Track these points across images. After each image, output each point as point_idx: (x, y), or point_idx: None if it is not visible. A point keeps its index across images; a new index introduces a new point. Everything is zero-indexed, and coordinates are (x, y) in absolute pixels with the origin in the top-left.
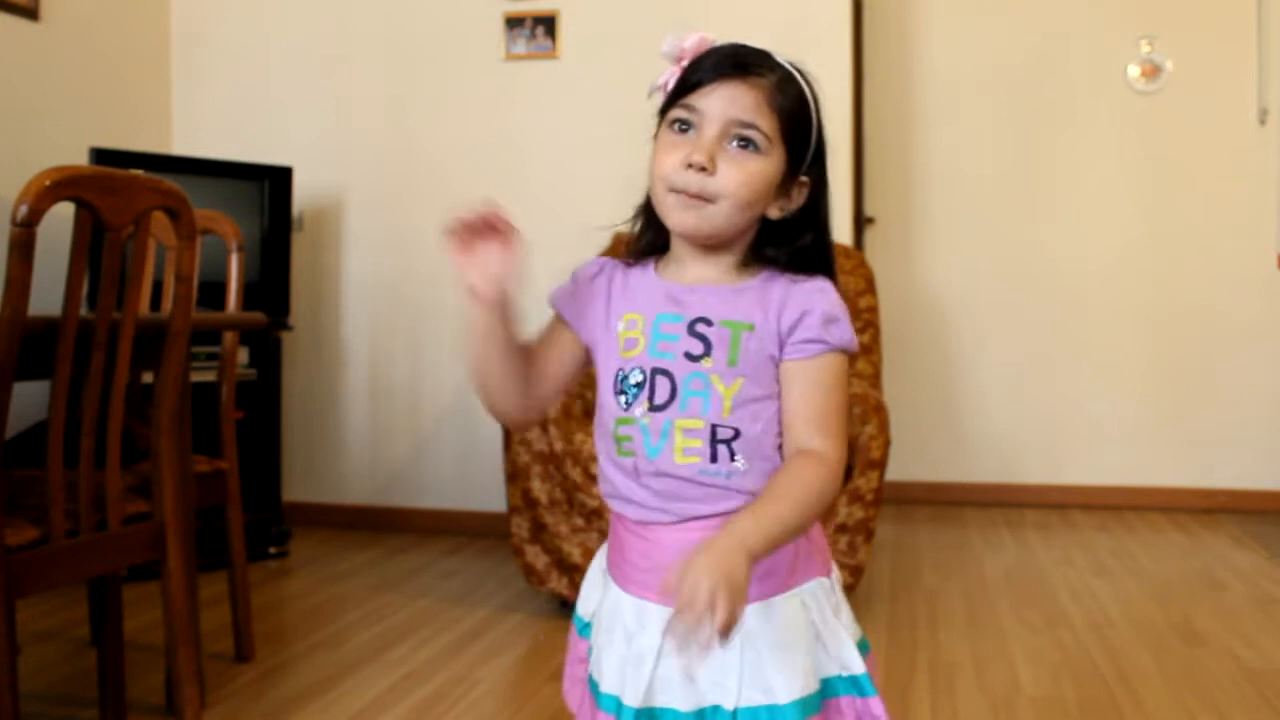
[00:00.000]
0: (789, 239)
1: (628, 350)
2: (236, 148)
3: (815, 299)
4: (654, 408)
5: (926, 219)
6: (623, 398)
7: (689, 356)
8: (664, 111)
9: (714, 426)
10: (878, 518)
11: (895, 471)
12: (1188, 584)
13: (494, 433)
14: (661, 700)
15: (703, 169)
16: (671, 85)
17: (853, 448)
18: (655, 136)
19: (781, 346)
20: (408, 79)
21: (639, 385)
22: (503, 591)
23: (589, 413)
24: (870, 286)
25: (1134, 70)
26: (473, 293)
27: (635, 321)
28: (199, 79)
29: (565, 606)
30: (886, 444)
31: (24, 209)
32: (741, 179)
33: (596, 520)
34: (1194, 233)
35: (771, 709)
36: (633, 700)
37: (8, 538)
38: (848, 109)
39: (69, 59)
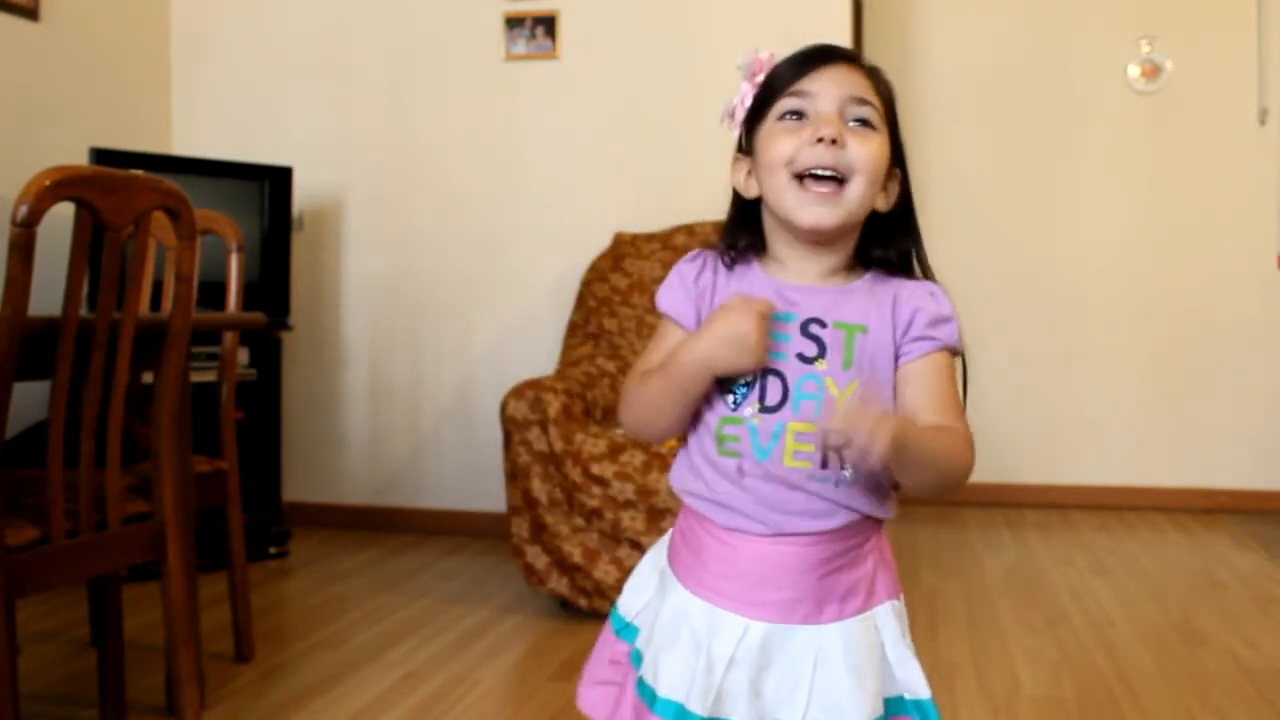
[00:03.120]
0: (889, 238)
1: None
2: (236, 148)
3: (926, 300)
4: (765, 409)
5: (926, 219)
6: (730, 397)
7: (802, 358)
8: (755, 119)
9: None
10: None
11: None
12: (1188, 584)
13: (494, 433)
14: (726, 710)
15: (834, 142)
16: (749, 103)
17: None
18: (746, 150)
19: (898, 349)
20: (408, 79)
21: (748, 385)
22: (503, 591)
23: (589, 413)
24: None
25: (1134, 70)
26: (757, 362)
27: None
28: (199, 79)
29: (565, 606)
30: None
31: (24, 209)
32: (869, 154)
33: (596, 520)
34: (1194, 233)
35: None
36: (699, 708)
37: (8, 538)
38: None
39: (69, 59)
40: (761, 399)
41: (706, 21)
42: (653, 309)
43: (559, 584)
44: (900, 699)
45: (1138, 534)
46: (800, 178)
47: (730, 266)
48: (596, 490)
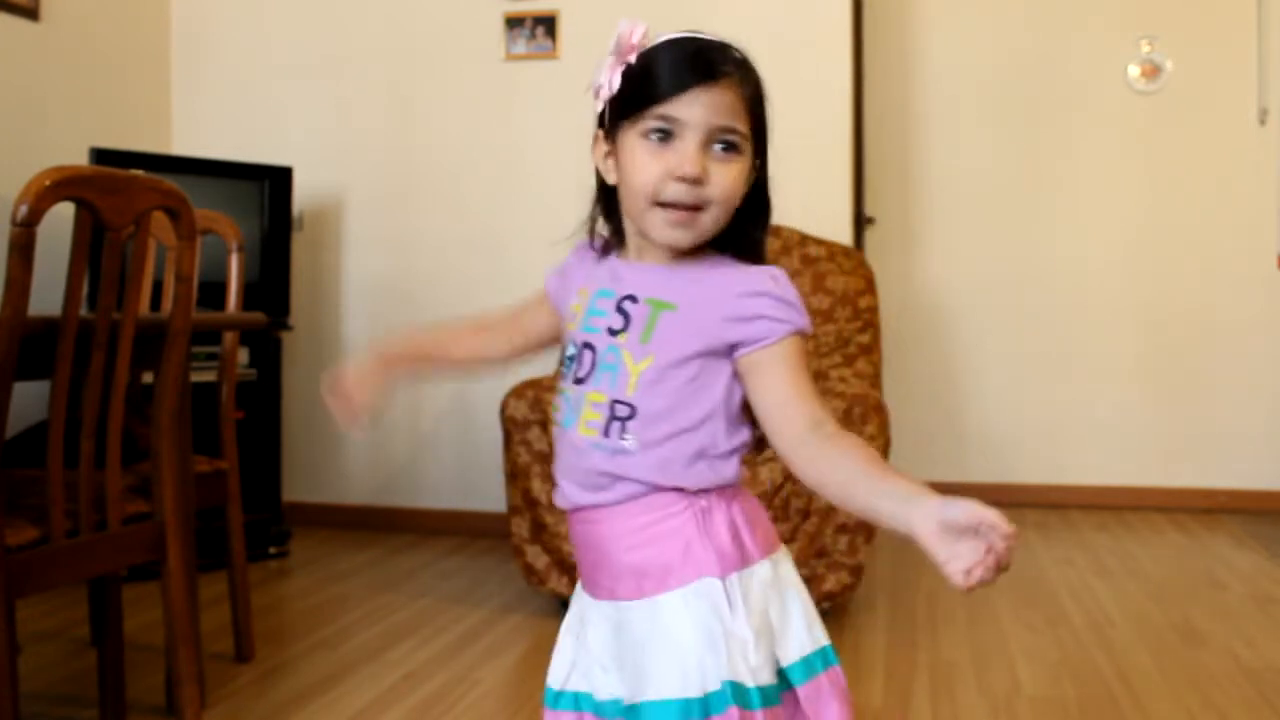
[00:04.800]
0: (738, 223)
1: (570, 323)
2: (236, 148)
3: (769, 284)
4: (577, 380)
5: (926, 219)
6: (562, 369)
7: (610, 331)
8: (621, 115)
9: (614, 402)
10: None
11: None
12: (1188, 584)
13: (494, 433)
14: (574, 683)
15: (696, 180)
16: (616, 83)
17: None
18: (606, 137)
19: (726, 338)
20: (408, 79)
21: (572, 359)
22: (503, 591)
23: None
24: (870, 286)
25: (1134, 70)
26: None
27: (582, 296)
28: (199, 79)
29: (565, 606)
30: (886, 444)
31: (24, 209)
32: (728, 183)
33: None
34: (1194, 233)
35: (633, 707)
36: (555, 683)
37: (8, 538)
38: (848, 109)
39: (69, 59)
40: (576, 371)
41: (706, 22)
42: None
43: (559, 584)
44: (727, 684)
45: (1138, 534)
46: (662, 204)
47: (601, 253)
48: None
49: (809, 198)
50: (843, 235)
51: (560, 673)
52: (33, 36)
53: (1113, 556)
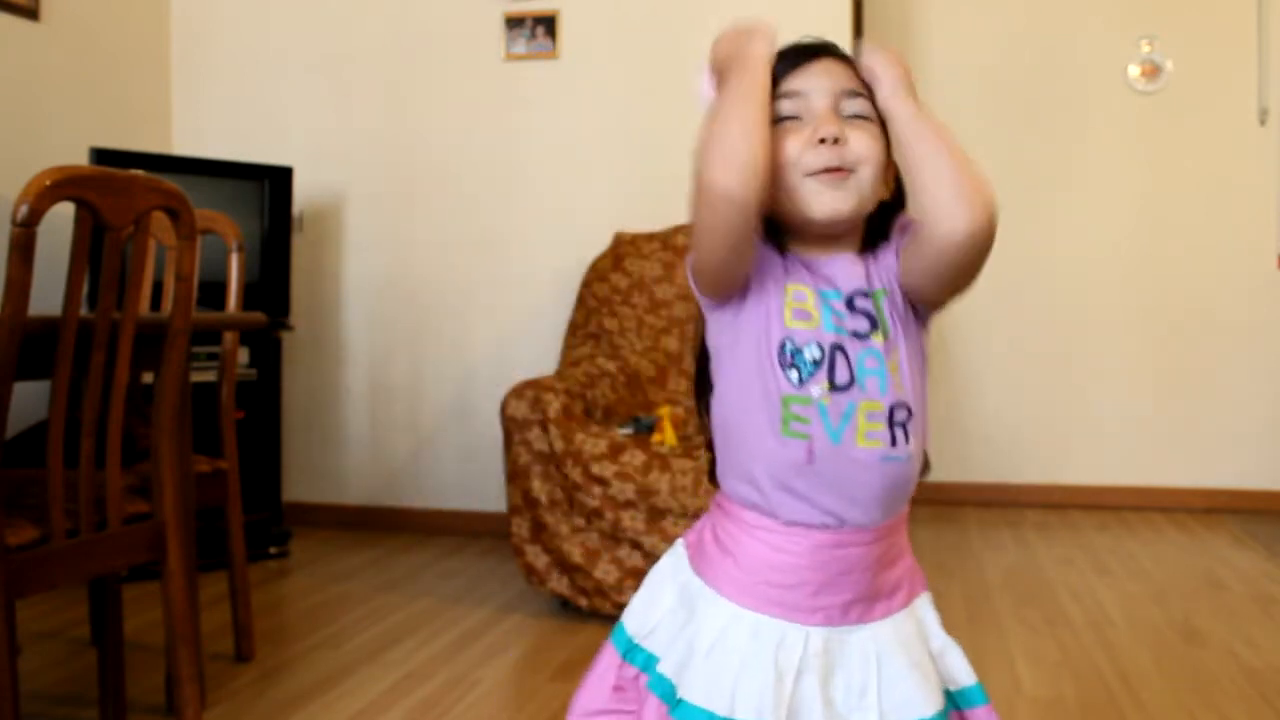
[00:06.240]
0: (884, 216)
1: (799, 320)
2: (236, 148)
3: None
4: (835, 388)
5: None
6: (794, 373)
7: (856, 335)
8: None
9: (892, 407)
10: None
11: None
12: (1188, 584)
13: (494, 433)
14: None
15: (835, 140)
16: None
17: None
18: None
19: (900, 276)
20: (408, 79)
21: (816, 362)
22: (503, 591)
23: (589, 413)
24: None
25: (1134, 70)
26: (766, 37)
27: (803, 294)
28: (199, 79)
29: (565, 606)
30: None
31: (24, 209)
32: (872, 142)
33: (596, 520)
34: (1194, 233)
35: None
36: None
37: (8, 538)
38: None
39: (69, 59)
40: (831, 377)
41: (706, 21)
42: (653, 308)
43: (559, 584)
44: (961, 690)
45: (1138, 534)
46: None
47: (777, 250)
48: (597, 490)
49: None
50: None
51: (775, 714)
52: (33, 36)
53: (1113, 556)
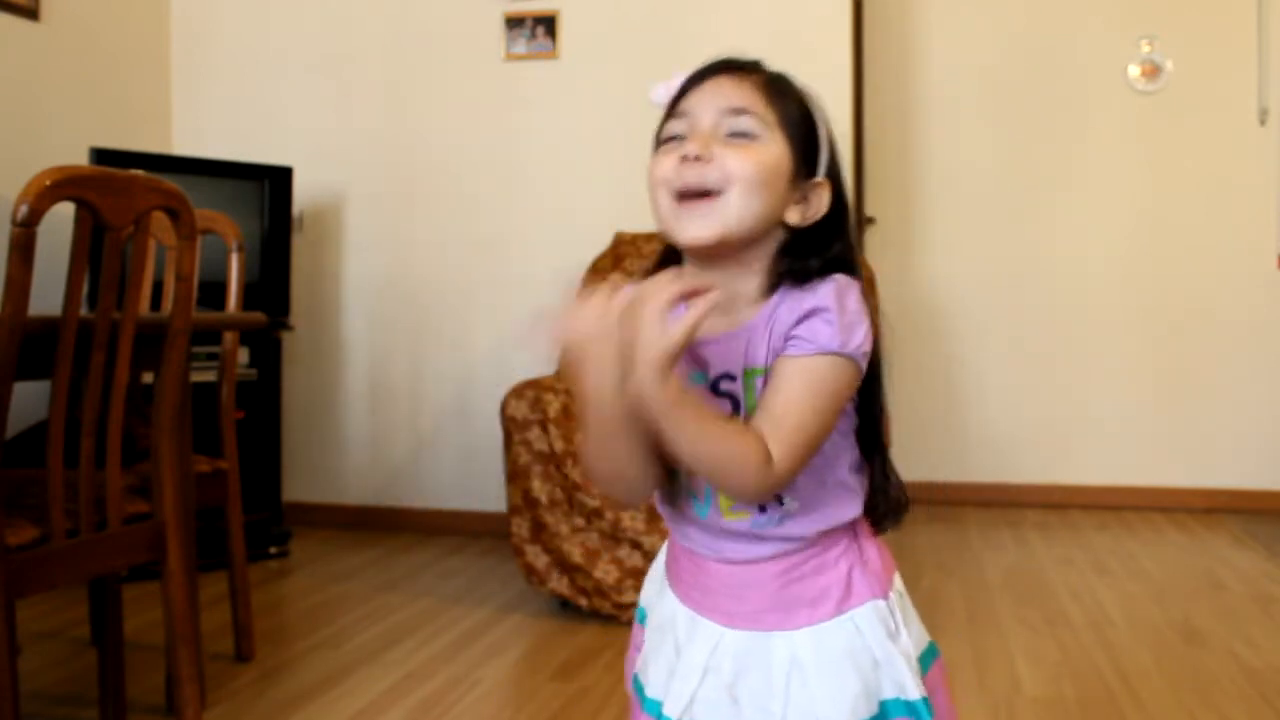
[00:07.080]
0: (818, 250)
1: None
2: (236, 148)
3: (810, 298)
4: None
5: (926, 219)
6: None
7: None
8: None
9: None
10: None
11: None
12: (1188, 584)
13: (494, 433)
14: (701, 717)
15: (698, 159)
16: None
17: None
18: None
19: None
20: (408, 79)
21: None
22: (503, 591)
23: None
24: (870, 286)
25: (1134, 70)
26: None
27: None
28: (199, 79)
29: (565, 606)
30: (887, 444)
31: (24, 209)
32: (743, 160)
33: (596, 520)
34: (1194, 233)
35: None
36: (673, 711)
37: (8, 538)
38: (848, 109)
39: (69, 59)
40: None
41: (706, 23)
42: None
43: (559, 584)
44: (896, 700)
45: (1138, 534)
46: (681, 197)
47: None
48: (597, 490)
49: None
50: None
51: (677, 703)
52: (33, 36)
53: (1113, 556)
